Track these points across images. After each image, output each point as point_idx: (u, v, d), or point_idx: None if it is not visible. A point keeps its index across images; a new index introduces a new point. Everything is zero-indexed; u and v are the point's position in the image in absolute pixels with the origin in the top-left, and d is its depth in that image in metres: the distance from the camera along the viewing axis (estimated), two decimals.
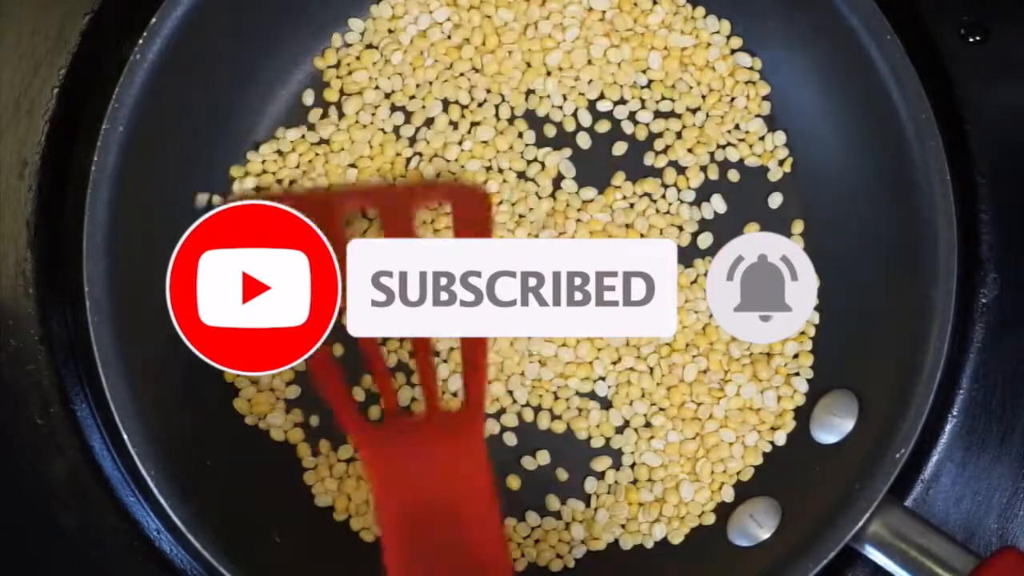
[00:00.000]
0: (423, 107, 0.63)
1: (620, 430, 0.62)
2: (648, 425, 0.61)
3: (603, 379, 0.62)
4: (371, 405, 0.60)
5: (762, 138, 0.63)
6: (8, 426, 0.60)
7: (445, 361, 0.61)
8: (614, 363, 0.61)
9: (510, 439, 0.61)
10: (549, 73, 0.63)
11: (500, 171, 0.62)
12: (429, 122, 0.63)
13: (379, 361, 0.57)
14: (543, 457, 0.61)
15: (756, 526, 0.59)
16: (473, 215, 0.58)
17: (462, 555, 0.53)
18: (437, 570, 0.52)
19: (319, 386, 0.56)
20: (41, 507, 0.59)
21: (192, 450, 0.58)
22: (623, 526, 0.61)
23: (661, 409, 0.61)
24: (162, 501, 0.56)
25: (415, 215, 0.58)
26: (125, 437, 0.56)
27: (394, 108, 0.63)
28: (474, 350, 0.56)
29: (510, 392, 0.61)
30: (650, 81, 0.63)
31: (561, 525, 0.61)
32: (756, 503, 0.60)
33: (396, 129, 0.63)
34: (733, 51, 0.63)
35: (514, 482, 0.61)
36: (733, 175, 0.63)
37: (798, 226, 0.63)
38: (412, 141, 0.63)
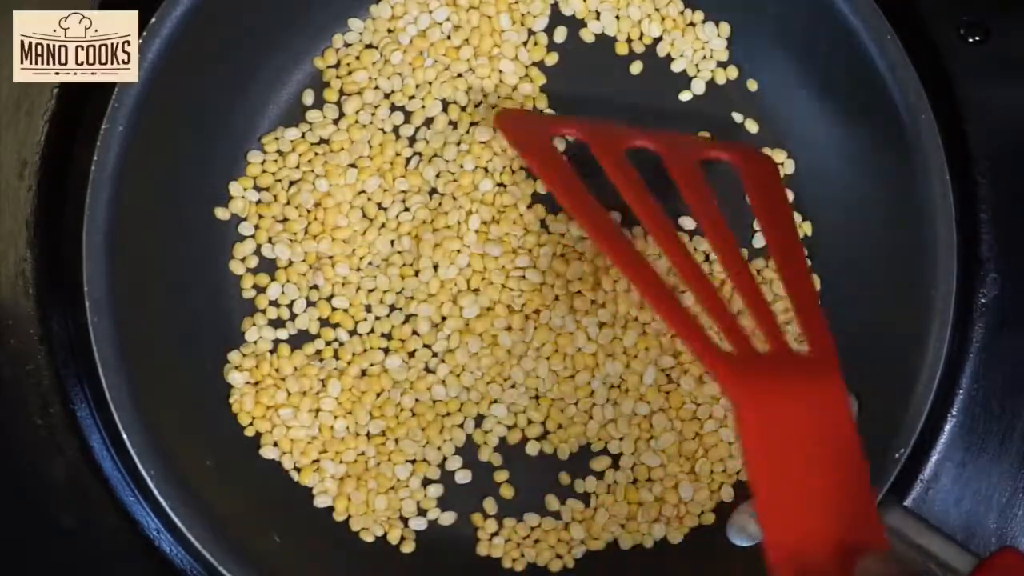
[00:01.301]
0: (423, 107, 0.63)
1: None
2: (648, 425, 0.61)
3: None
4: None
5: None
6: (8, 426, 0.60)
7: (443, 361, 0.61)
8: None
9: (510, 439, 0.61)
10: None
11: (499, 171, 0.62)
12: (429, 122, 0.63)
13: (713, 294, 0.52)
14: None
15: (756, 526, 0.59)
16: (766, 178, 0.56)
17: (836, 502, 0.47)
18: (810, 512, 0.47)
19: (673, 324, 0.51)
20: (41, 507, 0.59)
21: (192, 450, 0.58)
22: (623, 526, 0.61)
23: (661, 409, 0.61)
24: (162, 501, 0.56)
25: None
26: (125, 437, 0.56)
27: (394, 108, 0.63)
28: (811, 301, 0.53)
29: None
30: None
31: (561, 525, 0.61)
32: None
33: (396, 129, 0.63)
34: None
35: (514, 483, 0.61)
36: (734, 175, 0.63)
37: (799, 228, 0.62)
38: (412, 141, 0.63)
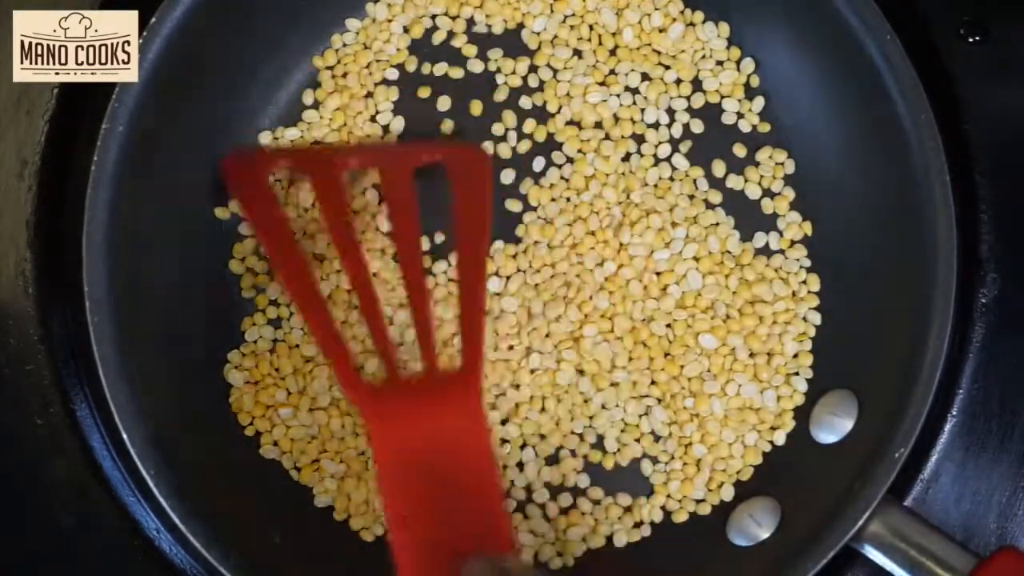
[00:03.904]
0: None
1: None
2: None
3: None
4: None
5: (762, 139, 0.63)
6: (8, 426, 0.60)
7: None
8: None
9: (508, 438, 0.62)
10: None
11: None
12: None
13: (378, 320, 0.55)
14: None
15: (756, 526, 0.59)
16: (472, 178, 0.58)
17: (461, 514, 0.51)
18: (436, 529, 0.51)
19: (322, 348, 0.55)
20: (41, 507, 0.59)
21: (192, 450, 0.58)
22: (619, 519, 0.61)
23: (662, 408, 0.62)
24: (162, 501, 0.56)
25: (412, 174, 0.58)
26: (125, 437, 0.56)
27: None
28: (472, 309, 0.55)
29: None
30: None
31: (561, 522, 0.61)
32: (756, 503, 0.60)
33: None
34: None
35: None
36: (733, 177, 0.63)
37: (799, 228, 0.63)
38: None
